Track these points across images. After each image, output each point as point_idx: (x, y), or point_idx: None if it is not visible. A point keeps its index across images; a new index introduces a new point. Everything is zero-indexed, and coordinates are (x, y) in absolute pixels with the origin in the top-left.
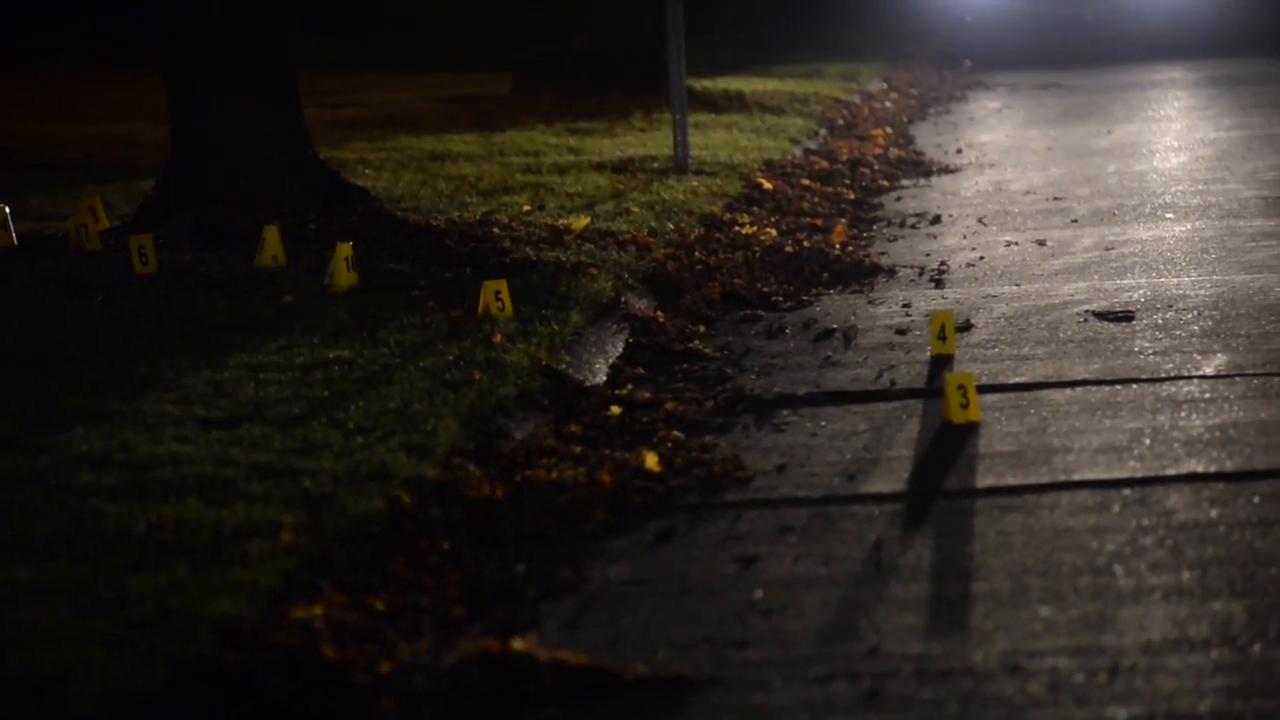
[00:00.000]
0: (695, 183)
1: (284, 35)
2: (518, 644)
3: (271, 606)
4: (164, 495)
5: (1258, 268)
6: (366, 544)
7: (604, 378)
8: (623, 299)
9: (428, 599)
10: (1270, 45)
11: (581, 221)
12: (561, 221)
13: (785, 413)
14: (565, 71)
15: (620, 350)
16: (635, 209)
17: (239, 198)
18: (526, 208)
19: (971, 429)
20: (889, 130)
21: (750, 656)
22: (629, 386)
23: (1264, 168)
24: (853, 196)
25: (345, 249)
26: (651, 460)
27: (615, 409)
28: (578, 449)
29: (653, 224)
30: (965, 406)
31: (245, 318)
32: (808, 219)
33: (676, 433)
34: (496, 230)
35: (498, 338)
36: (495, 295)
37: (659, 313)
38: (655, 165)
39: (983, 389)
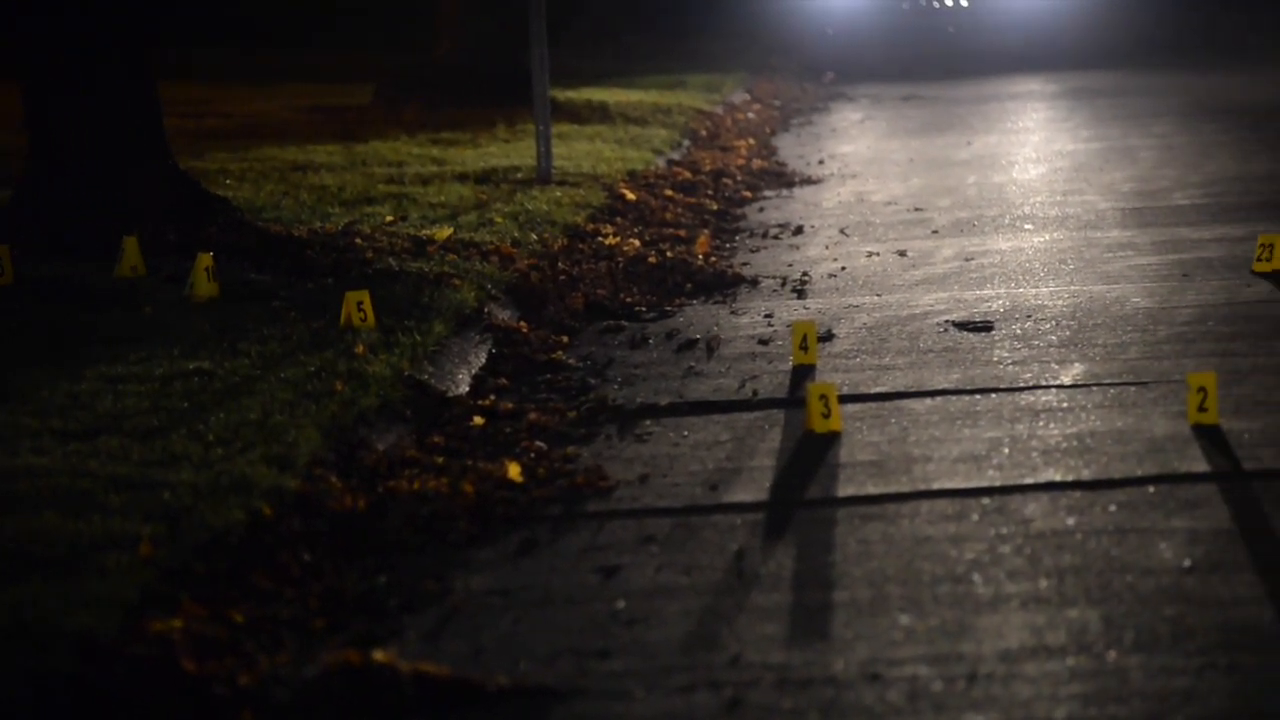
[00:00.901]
0: (559, 193)
1: (144, 45)
2: (379, 655)
3: (129, 619)
4: (20, 508)
5: (1114, 278)
6: (226, 556)
7: (467, 388)
8: (486, 309)
9: (288, 611)
10: (1127, 58)
11: (444, 232)
12: (424, 232)
13: (648, 423)
14: (429, 82)
15: (483, 361)
16: (499, 219)
17: (98, 208)
18: (389, 218)
19: (833, 438)
20: (752, 141)
21: (612, 666)
22: (492, 397)
23: (1121, 179)
24: (716, 207)
25: (206, 259)
26: (514, 471)
27: (478, 419)
28: (440, 459)
29: (516, 234)
30: (827, 416)
31: (104, 329)
32: (671, 229)
33: (539, 443)
34: (359, 241)
35: (360, 348)
36: (358, 306)
37: (522, 323)
38: (519, 176)
39: (844, 399)
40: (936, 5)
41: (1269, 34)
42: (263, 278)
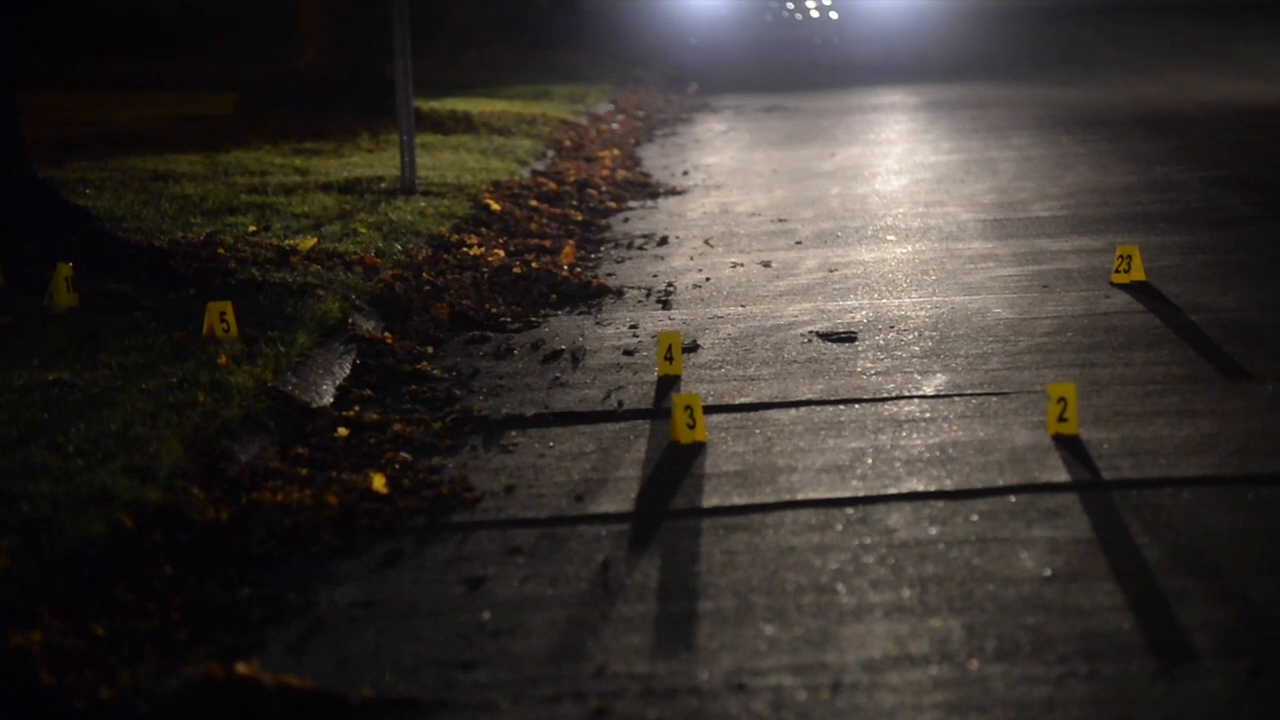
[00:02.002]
0: (423, 203)
1: (2, 53)
2: (242, 668)
3: None
4: None
5: (976, 289)
6: (86, 568)
7: (331, 399)
8: (350, 320)
9: (150, 623)
10: (986, 71)
11: (308, 242)
12: (288, 242)
13: (513, 434)
14: (292, 92)
15: (348, 371)
16: (363, 230)
17: None
18: (252, 228)
19: (698, 449)
20: (616, 152)
21: (478, 678)
22: (356, 408)
23: (981, 191)
24: (581, 218)
25: (65, 270)
26: (379, 482)
27: (342, 430)
28: (304, 471)
29: (380, 245)
30: (692, 427)
31: None
32: (536, 240)
33: (404, 454)
34: (222, 251)
35: (222, 359)
36: (220, 316)
37: (387, 334)
38: (383, 186)
39: (709, 409)
40: (799, 17)
41: (1125, 47)
42: (124, 288)
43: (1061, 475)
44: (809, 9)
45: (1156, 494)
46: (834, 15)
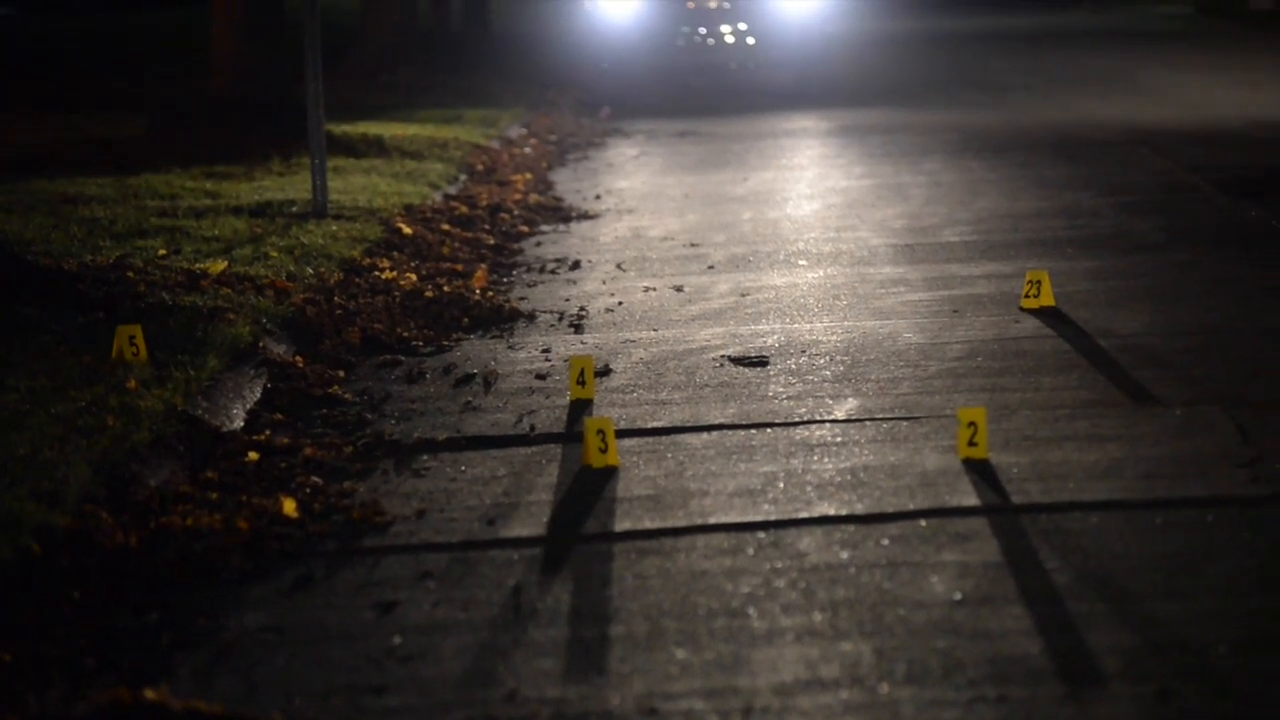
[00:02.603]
0: (335, 227)
1: None
2: (150, 694)
3: None
4: None
5: (887, 314)
6: None
7: (242, 423)
8: (261, 344)
9: (57, 649)
10: (898, 96)
11: (219, 266)
12: (198, 266)
13: (425, 458)
14: (203, 115)
15: (258, 395)
16: (274, 253)
17: None
18: (162, 252)
19: (610, 473)
20: (529, 176)
21: (388, 703)
22: (267, 432)
23: (892, 215)
24: (493, 242)
25: None
26: (289, 506)
27: (253, 455)
28: (214, 495)
29: (291, 268)
30: (604, 451)
31: None
32: (448, 264)
33: (315, 478)
34: (131, 274)
35: (132, 383)
36: (129, 340)
37: (298, 358)
38: (294, 210)
39: (621, 433)
40: (711, 43)
41: (1034, 74)
42: (31, 311)
43: (971, 499)
44: (724, 34)
45: (1065, 518)
46: (751, 40)
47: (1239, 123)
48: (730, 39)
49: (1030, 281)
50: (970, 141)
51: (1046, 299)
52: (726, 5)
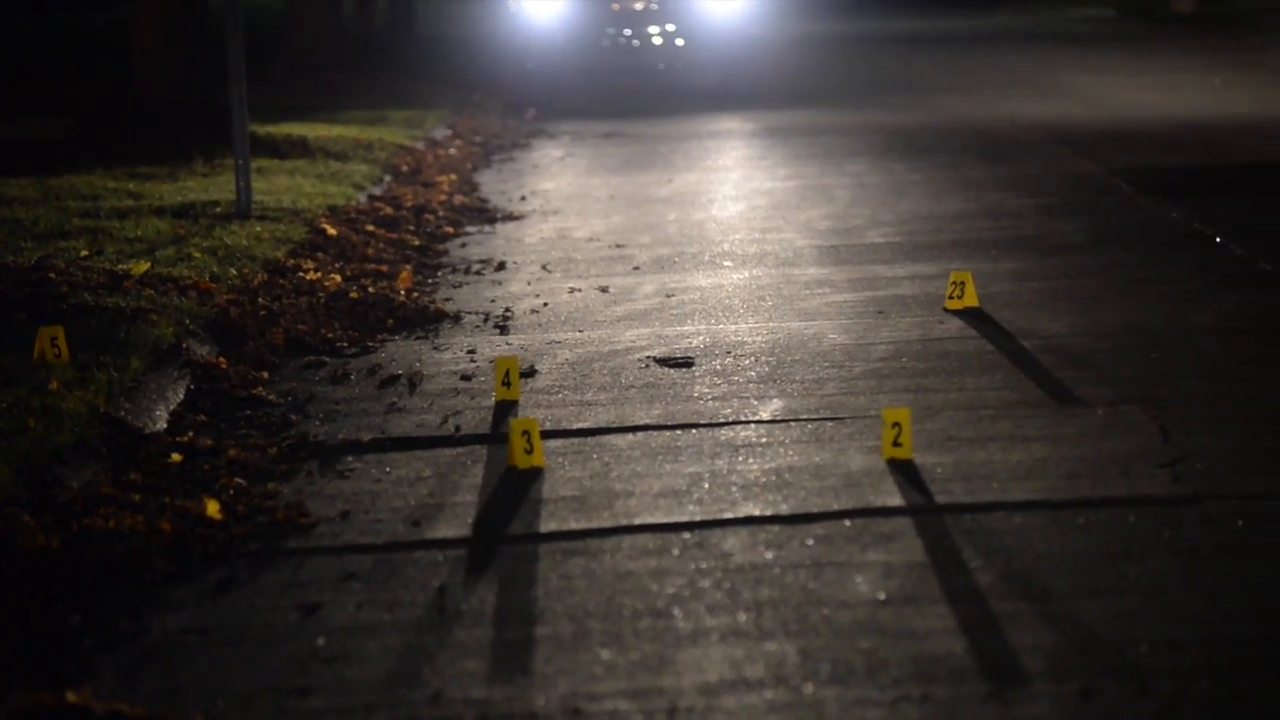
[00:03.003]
0: (259, 228)
1: None
2: (72, 696)
3: None
4: None
5: (812, 315)
6: None
7: (165, 425)
8: (184, 345)
9: None
10: (822, 97)
11: (141, 267)
12: (121, 267)
13: (350, 459)
14: (125, 116)
15: (182, 397)
16: (197, 254)
17: None
18: (85, 252)
19: (535, 474)
20: (454, 177)
21: (312, 705)
22: (190, 433)
23: (817, 217)
24: (418, 243)
25: None
26: (213, 508)
27: (176, 456)
28: (137, 497)
29: (215, 269)
30: (529, 452)
31: None
32: (373, 265)
33: (239, 480)
34: (53, 275)
35: (54, 384)
36: (51, 341)
37: (222, 359)
38: (218, 210)
39: (546, 434)
40: (636, 44)
41: (958, 75)
42: None
43: (896, 499)
44: (651, 35)
45: (989, 518)
46: (680, 42)
47: (1160, 124)
48: (658, 40)
49: (954, 282)
50: (894, 143)
51: (970, 300)
52: (654, 6)
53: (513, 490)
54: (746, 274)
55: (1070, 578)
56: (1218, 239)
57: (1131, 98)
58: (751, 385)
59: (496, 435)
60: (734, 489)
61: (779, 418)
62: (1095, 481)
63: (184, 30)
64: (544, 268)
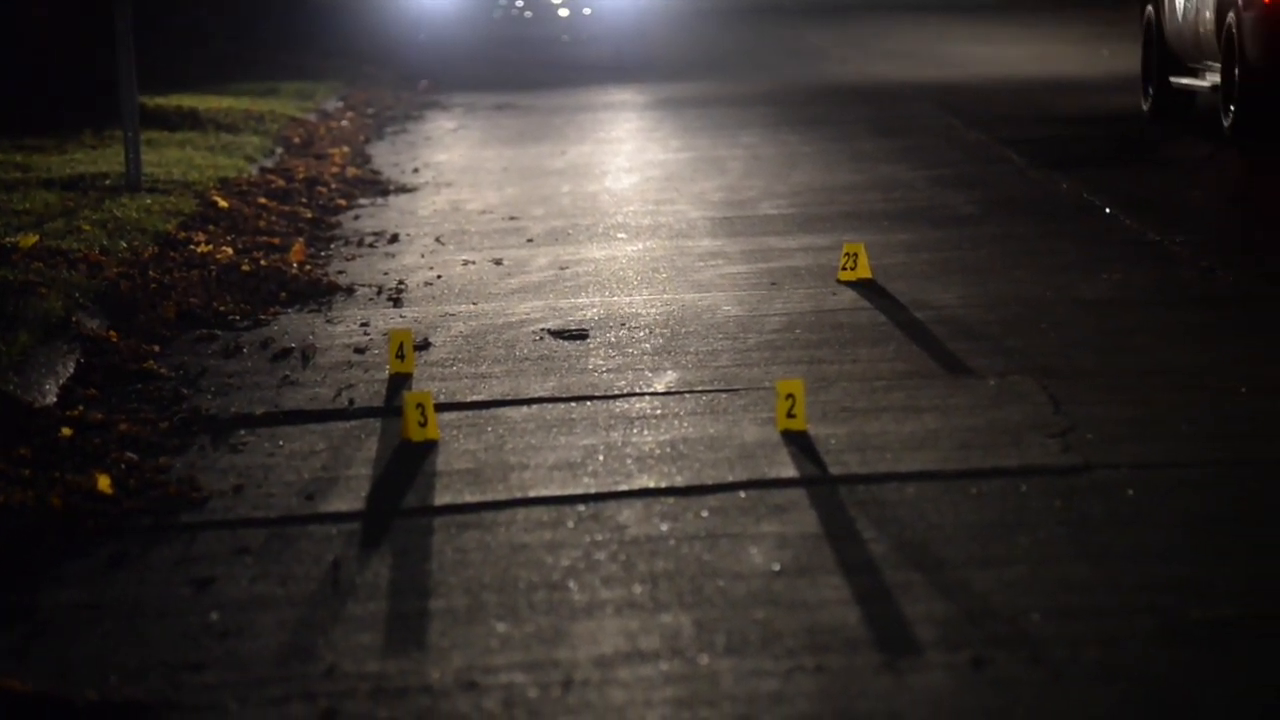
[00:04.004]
0: (149, 201)
1: None
2: None
3: None
4: None
5: (706, 286)
6: None
7: (54, 399)
8: (74, 318)
9: None
10: (716, 69)
11: (30, 240)
12: (8, 240)
13: (243, 433)
14: (10, 87)
15: (71, 371)
16: (86, 227)
17: None
18: None
19: (430, 447)
20: (346, 149)
21: (205, 679)
22: (80, 408)
23: (710, 189)
24: (310, 215)
25: None
26: (104, 482)
27: (66, 431)
28: (26, 472)
29: (105, 242)
30: (424, 425)
31: None
32: (265, 237)
33: (130, 454)
34: None
35: None
36: None
37: (112, 332)
38: (107, 183)
39: (441, 407)
40: (528, 15)
41: (849, 47)
42: None
43: (790, 471)
44: (555, 5)
45: (882, 489)
46: (587, 11)
47: (1049, 94)
48: (564, 12)
49: (847, 254)
50: (786, 114)
51: (863, 271)
52: None
53: (407, 463)
54: (640, 246)
55: (962, 547)
56: (1107, 210)
57: (1021, 68)
58: (646, 357)
59: (390, 408)
60: (629, 461)
61: (674, 390)
62: (987, 452)
63: (72, 1)
64: (437, 240)
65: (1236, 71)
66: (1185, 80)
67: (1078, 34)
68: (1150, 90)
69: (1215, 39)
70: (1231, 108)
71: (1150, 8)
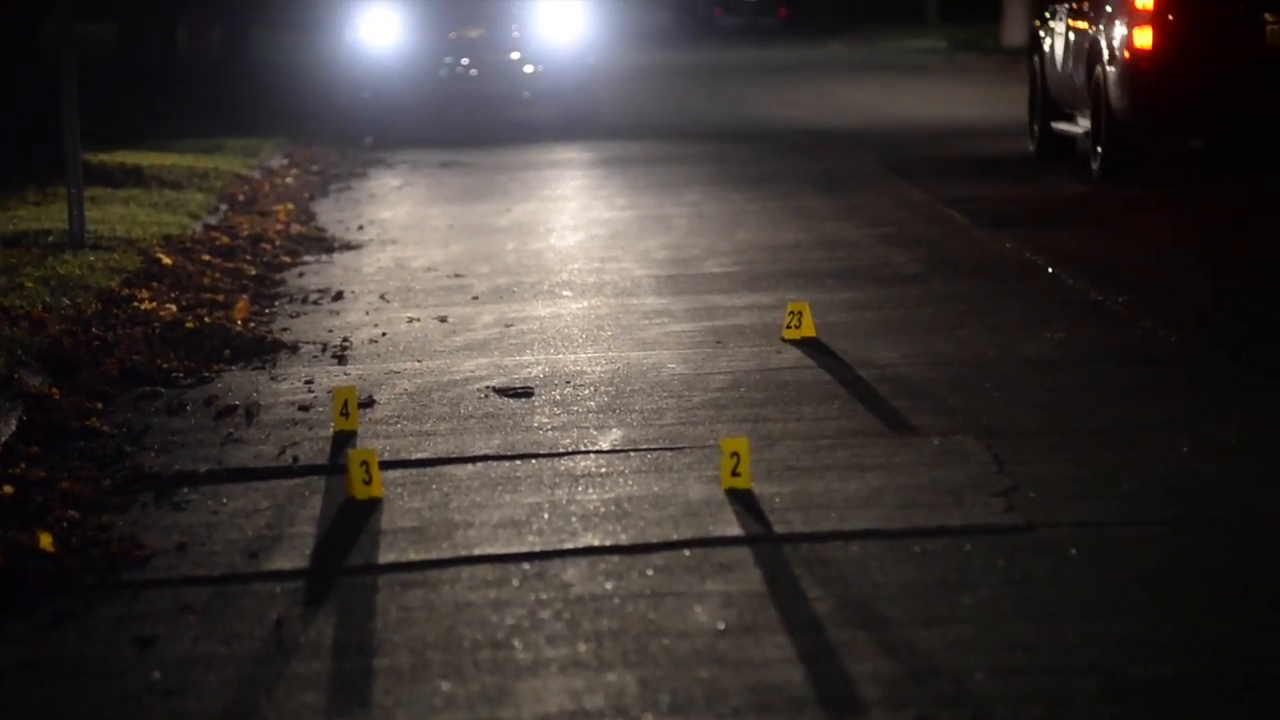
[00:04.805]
0: (92, 257)
1: None
2: None
3: None
4: None
5: (651, 344)
6: None
7: None
8: (16, 375)
9: None
10: (660, 128)
11: None
12: None
13: (186, 490)
14: None
15: (13, 428)
16: (29, 284)
17: None
18: None
19: (374, 505)
20: (291, 206)
21: None
22: (22, 465)
23: (655, 247)
24: (255, 272)
25: None
26: (46, 540)
27: (8, 488)
28: None
29: (48, 299)
30: (368, 482)
31: None
32: (209, 294)
33: (72, 512)
34: None
35: None
36: None
37: (54, 389)
38: (50, 239)
39: (385, 465)
40: (474, 74)
41: (792, 107)
42: None
43: (735, 529)
44: (514, 61)
45: (826, 547)
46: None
47: (994, 154)
48: (529, 69)
49: (792, 312)
50: (731, 172)
51: (808, 330)
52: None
53: (351, 521)
54: (585, 304)
55: (906, 606)
56: (1050, 269)
57: (963, 127)
58: (591, 415)
59: (335, 466)
60: (573, 519)
61: (618, 447)
62: (931, 510)
63: (15, 58)
64: (382, 297)
65: (1104, 118)
66: (1064, 125)
67: (1018, 91)
68: (1035, 133)
69: (1086, 89)
70: (1099, 150)
71: (1035, 58)
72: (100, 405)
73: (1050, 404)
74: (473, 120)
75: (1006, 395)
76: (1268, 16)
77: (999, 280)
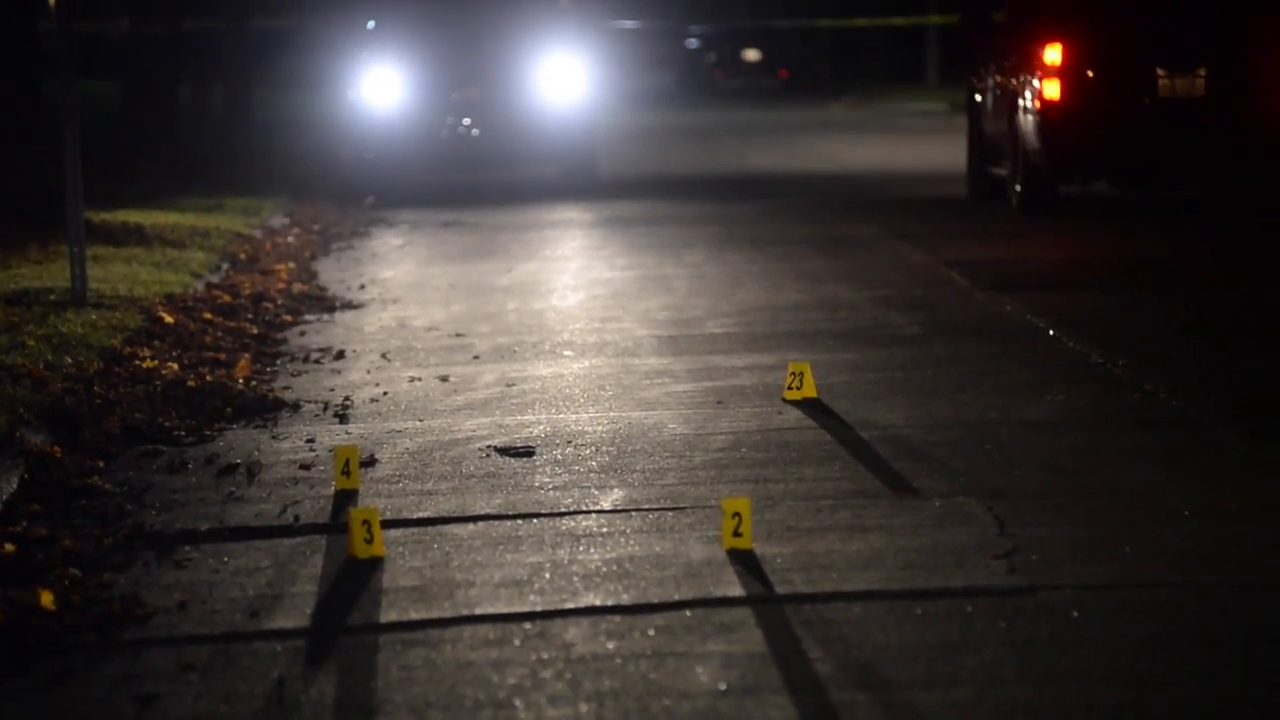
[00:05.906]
0: (94, 316)
1: None
2: None
3: None
4: None
5: (652, 404)
6: None
7: None
8: (17, 434)
9: None
10: (659, 188)
11: None
12: None
13: (187, 549)
14: None
15: (15, 486)
16: (31, 342)
17: None
18: None
19: (375, 564)
20: (292, 265)
21: None
22: (24, 523)
23: (656, 307)
24: (256, 331)
25: None
26: (47, 598)
27: (9, 547)
28: None
29: (50, 357)
30: (369, 541)
31: None
32: (210, 353)
33: (74, 570)
34: None
35: None
36: None
37: (56, 448)
38: (52, 298)
39: (387, 524)
40: (475, 134)
41: (792, 168)
42: None
43: (736, 590)
44: (516, 121)
45: (828, 608)
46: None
47: (993, 219)
48: (530, 129)
49: (793, 373)
50: (731, 234)
51: (809, 390)
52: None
53: (353, 580)
54: (586, 363)
55: (908, 668)
56: (1050, 332)
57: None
58: (592, 475)
59: (336, 525)
60: (575, 579)
61: (620, 507)
62: (932, 572)
63: (18, 114)
64: (384, 356)
65: (1020, 161)
66: (996, 169)
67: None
68: (971, 177)
69: (1007, 135)
70: (1017, 189)
71: (972, 110)
72: (102, 463)
73: (1052, 466)
74: (474, 180)
75: (1007, 457)
76: (1160, 71)
77: (999, 342)
